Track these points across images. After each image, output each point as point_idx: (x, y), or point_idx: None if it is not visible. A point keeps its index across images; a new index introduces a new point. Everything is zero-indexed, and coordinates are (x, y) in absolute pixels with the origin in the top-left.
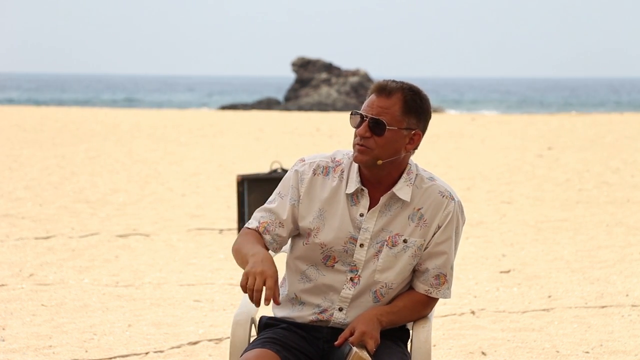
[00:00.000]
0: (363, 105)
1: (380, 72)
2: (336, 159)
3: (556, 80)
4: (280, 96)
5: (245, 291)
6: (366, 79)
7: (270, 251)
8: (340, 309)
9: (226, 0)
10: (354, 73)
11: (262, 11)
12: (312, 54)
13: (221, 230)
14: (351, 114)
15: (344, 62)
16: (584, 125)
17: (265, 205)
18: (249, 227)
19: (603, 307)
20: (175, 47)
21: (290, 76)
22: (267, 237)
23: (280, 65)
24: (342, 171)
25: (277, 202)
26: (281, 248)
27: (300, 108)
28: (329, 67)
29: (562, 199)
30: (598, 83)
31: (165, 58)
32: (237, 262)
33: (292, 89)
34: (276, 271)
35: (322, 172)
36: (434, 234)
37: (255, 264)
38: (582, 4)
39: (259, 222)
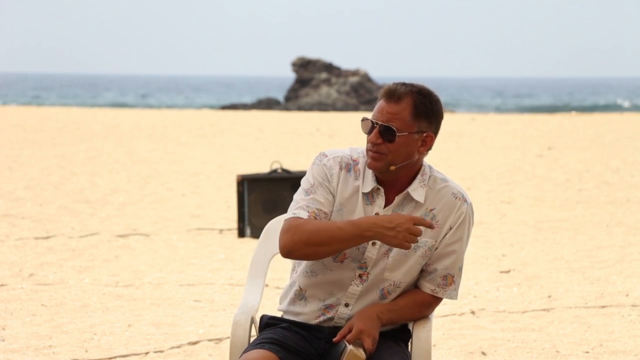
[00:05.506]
0: (373, 111)
1: (380, 72)
2: (354, 158)
3: (556, 80)
4: (280, 96)
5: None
6: (366, 79)
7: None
8: (347, 305)
9: (226, 0)
10: (354, 73)
11: (262, 11)
12: (312, 54)
13: (221, 230)
14: (362, 120)
15: (344, 62)
16: (584, 125)
17: (306, 196)
18: (300, 217)
19: (603, 307)
20: (175, 47)
21: (290, 76)
22: None
23: (280, 65)
24: (359, 170)
25: (318, 192)
26: None
27: (300, 108)
28: (329, 67)
29: (562, 199)
30: (598, 83)
31: (165, 58)
32: (316, 248)
33: (292, 89)
34: (404, 213)
35: (345, 167)
36: (445, 234)
37: (384, 221)
38: (582, 3)
39: (308, 212)
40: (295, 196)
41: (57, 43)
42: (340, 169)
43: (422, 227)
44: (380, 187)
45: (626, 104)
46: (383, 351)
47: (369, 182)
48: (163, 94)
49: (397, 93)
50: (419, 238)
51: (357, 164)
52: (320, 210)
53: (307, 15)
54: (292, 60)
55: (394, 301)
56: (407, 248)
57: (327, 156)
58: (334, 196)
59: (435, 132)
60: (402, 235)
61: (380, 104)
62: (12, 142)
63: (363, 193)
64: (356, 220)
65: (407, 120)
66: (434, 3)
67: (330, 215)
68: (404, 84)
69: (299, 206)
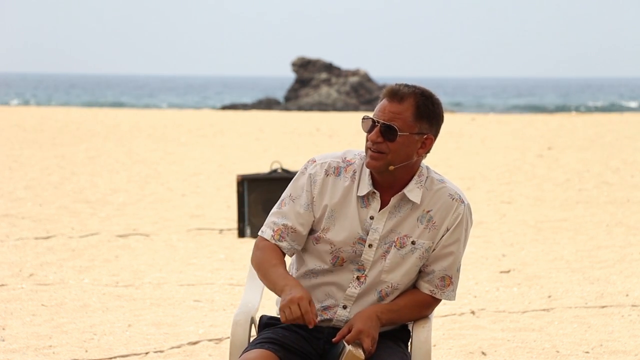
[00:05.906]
0: (375, 110)
1: (380, 72)
2: (347, 159)
3: (556, 80)
4: (280, 96)
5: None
6: (366, 79)
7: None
8: (345, 307)
9: (226, 0)
10: (354, 73)
11: (262, 11)
12: (312, 54)
13: (221, 230)
14: (363, 119)
15: (344, 62)
16: (584, 125)
17: (278, 209)
18: (264, 236)
19: (603, 307)
20: (175, 47)
21: (290, 76)
22: (284, 244)
23: (280, 65)
24: (354, 171)
25: (289, 206)
26: (300, 248)
27: (300, 108)
28: (329, 67)
29: (562, 199)
30: (598, 83)
31: (165, 58)
32: (260, 278)
33: (292, 89)
34: (307, 294)
35: (333, 172)
36: (442, 236)
37: (288, 288)
38: (583, 3)
39: (273, 231)
40: (273, 208)
41: (57, 43)
42: (327, 175)
43: (419, 228)
44: (376, 190)
45: (633, 104)
46: (382, 351)
47: (365, 185)
48: (163, 94)
49: (400, 93)
50: (417, 240)
51: (351, 164)
52: (286, 226)
53: (307, 15)
54: (292, 60)
55: (394, 301)
56: (282, 320)
57: (315, 162)
58: (312, 206)
59: (435, 135)
60: (282, 305)
61: (382, 103)
62: (12, 142)
63: (358, 196)
64: (286, 276)
65: (409, 120)
66: (434, 3)
67: (306, 226)
68: (407, 85)
69: (268, 223)
